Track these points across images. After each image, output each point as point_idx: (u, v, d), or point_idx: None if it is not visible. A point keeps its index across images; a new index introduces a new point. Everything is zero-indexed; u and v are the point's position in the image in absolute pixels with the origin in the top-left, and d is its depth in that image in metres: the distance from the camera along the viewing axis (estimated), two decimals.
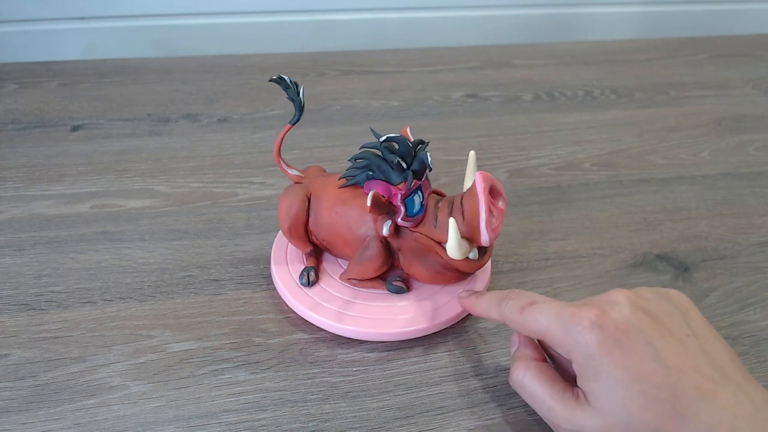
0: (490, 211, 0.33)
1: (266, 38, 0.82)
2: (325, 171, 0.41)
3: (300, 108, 0.38)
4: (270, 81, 0.37)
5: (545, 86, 0.69)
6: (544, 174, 0.53)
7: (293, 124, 0.38)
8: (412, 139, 0.36)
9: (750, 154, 0.58)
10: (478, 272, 0.40)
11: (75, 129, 0.57)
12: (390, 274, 0.38)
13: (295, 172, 0.41)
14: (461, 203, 0.34)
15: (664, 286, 0.41)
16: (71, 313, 0.38)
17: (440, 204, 0.36)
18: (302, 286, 0.38)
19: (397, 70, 0.72)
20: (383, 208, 0.34)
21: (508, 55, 0.77)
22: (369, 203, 0.33)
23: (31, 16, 0.75)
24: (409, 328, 0.36)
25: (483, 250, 0.36)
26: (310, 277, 0.38)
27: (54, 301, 0.38)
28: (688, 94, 0.69)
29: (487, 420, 0.32)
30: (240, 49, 0.77)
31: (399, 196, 0.34)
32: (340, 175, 0.37)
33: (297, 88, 0.37)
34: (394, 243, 0.36)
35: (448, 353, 0.36)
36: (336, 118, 0.61)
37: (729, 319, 0.39)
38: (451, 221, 0.33)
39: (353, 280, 0.38)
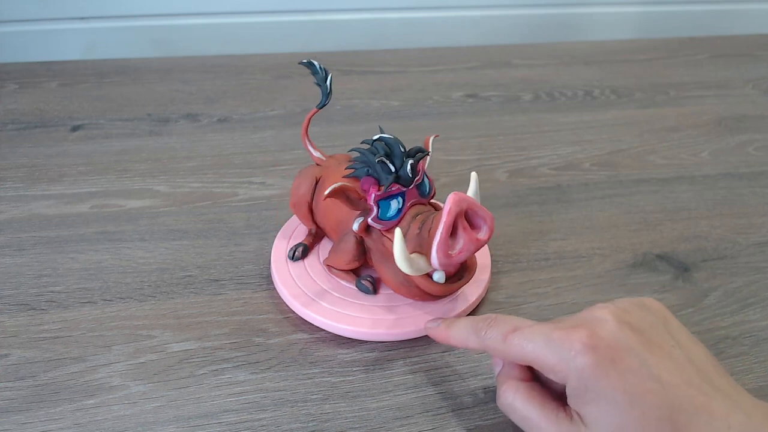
0: (448, 235, 0.31)
1: (266, 38, 0.82)
2: (348, 159, 0.40)
3: (326, 93, 0.39)
4: (299, 64, 0.40)
5: (545, 86, 0.69)
6: (544, 174, 0.53)
7: (319, 108, 0.40)
8: (430, 150, 0.36)
9: (750, 154, 0.58)
10: (480, 267, 0.39)
11: (75, 129, 0.57)
12: (365, 271, 0.39)
13: (318, 155, 0.42)
14: (432, 220, 0.33)
15: (664, 286, 0.42)
16: (71, 313, 0.38)
17: (418, 216, 0.34)
18: (288, 260, 0.40)
19: (397, 70, 0.72)
20: (356, 203, 0.34)
21: (508, 55, 0.77)
22: (326, 192, 0.33)
23: (31, 16, 0.75)
24: (410, 328, 0.36)
25: (459, 276, 0.35)
26: (296, 252, 0.40)
27: (54, 301, 0.38)
28: (688, 94, 0.69)
29: (487, 420, 0.32)
30: (240, 49, 0.77)
31: (373, 195, 0.34)
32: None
33: (325, 74, 0.39)
34: (367, 242, 0.37)
35: (448, 353, 0.36)
36: (336, 118, 0.61)
37: (729, 319, 0.39)
38: (397, 231, 0.31)
39: (329, 267, 0.39)
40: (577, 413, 0.28)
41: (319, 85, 0.40)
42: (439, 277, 0.34)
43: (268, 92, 0.65)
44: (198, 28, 0.80)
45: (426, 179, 0.36)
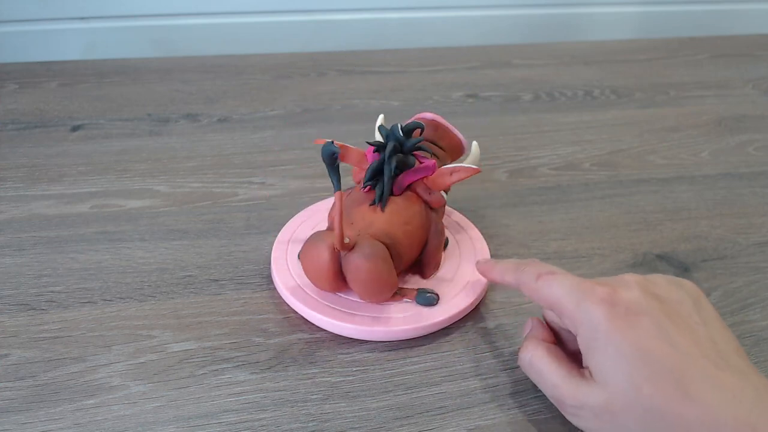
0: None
1: (266, 38, 0.82)
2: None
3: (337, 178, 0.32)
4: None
5: (545, 86, 0.69)
6: (544, 174, 0.53)
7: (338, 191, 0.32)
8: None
9: (750, 154, 0.58)
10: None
11: (75, 129, 0.57)
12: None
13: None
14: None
15: None
16: (71, 313, 0.38)
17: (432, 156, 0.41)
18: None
19: (397, 70, 0.72)
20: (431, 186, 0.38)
21: (508, 55, 0.77)
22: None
23: (31, 16, 0.75)
24: (409, 328, 0.36)
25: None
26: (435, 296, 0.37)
27: (54, 301, 0.38)
28: (688, 94, 0.69)
29: (487, 420, 0.32)
30: (240, 49, 0.77)
31: (426, 163, 0.38)
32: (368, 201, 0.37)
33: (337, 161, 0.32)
34: (431, 214, 0.39)
35: (448, 353, 0.36)
36: (336, 118, 0.61)
37: (729, 319, 0.39)
38: (474, 143, 0.42)
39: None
40: (589, 370, 0.28)
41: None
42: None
43: (268, 92, 0.65)
44: (198, 28, 0.80)
45: None
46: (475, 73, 0.72)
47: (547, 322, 0.34)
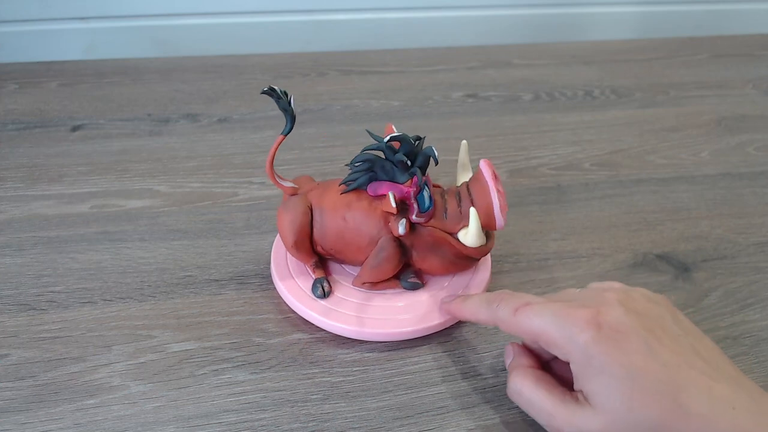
0: (499, 196, 0.34)
1: (266, 38, 0.82)
2: (313, 180, 0.40)
3: (291, 118, 0.36)
4: (262, 93, 0.35)
5: (545, 86, 0.69)
6: (544, 174, 0.53)
7: (285, 135, 0.36)
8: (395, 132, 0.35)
9: (750, 154, 0.58)
10: (481, 266, 0.40)
11: (75, 129, 0.57)
12: (402, 272, 0.38)
13: (289, 184, 0.38)
14: (468, 192, 0.35)
15: (664, 286, 0.42)
16: (71, 313, 0.38)
17: (446, 196, 0.36)
18: (317, 299, 0.37)
19: (397, 70, 0.72)
20: (399, 209, 0.35)
21: (508, 55, 0.77)
22: (393, 204, 0.34)
23: (31, 16, 0.75)
24: (409, 328, 0.36)
25: (488, 234, 0.37)
26: (325, 288, 0.37)
27: (54, 301, 0.38)
28: (688, 94, 0.69)
29: (486, 420, 0.32)
30: (240, 49, 0.77)
31: (411, 193, 0.34)
32: (339, 181, 0.37)
33: (287, 98, 0.36)
34: (407, 240, 0.36)
35: (448, 353, 0.36)
36: (336, 118, 0.61)
37: (729, 319, 0.39)
38: (473, 211, 0.34)
39: (367, 284, 0.38)
40: (582, 393, 0.28)
41: (284, 110, 0.36)
42: (477, 237, 0.36)
43: None
44: (198, 28, 0.80)
45: None
46: (475, 73, 0.72)
47: (526, 345, 0.33)
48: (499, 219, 0.35)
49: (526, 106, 0.65)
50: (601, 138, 0.59)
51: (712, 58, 0.79)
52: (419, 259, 0.37)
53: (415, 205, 0.34)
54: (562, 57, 0.77)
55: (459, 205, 0.35)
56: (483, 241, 0.35)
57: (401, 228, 0.34)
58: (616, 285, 0.32)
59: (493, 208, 0.34)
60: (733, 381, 0.26)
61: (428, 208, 0.35)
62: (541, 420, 0.29)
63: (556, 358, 0.32)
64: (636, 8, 0.92)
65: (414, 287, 0.38)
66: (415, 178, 0.35)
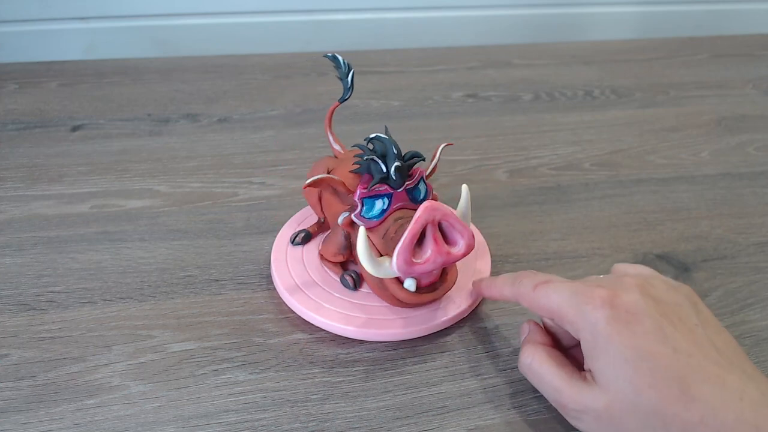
0: (413, 242, 0.31)
1: (266, 38, 0.82)
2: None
3: (348, 88, 0.40)
4: (324, 56, 0.40)
5: (545, 86, 0.69)
6: (544, 174, 0.53)
7: (341, 102, 0.41)
8: (437, 158, 0.37)
9: (750, 154, 0.58)
10: (481, 266, 0.40)
11: (75, 129, 0.57)
12: (348, 265, 0.39)
13: (338, 147, 0.42)
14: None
15: None
16: (71, 313, 0.38)
17: (400, 220, 0.34)
18: (290, 243, 0.41)
19: (397, 70, 0.72)
20: (344, 198, 0.36)
21: (508, 55, 0.77)
22: (307, 182, 0.34)
23: (31, 16, 0.75)
24: (409, 328, 0.36)
25: (433, 287, 0.35)
26: (297, 238, 0.41)
27: (54, 301, 0.38)
28: (688, 94, 0.69)
29: (487, 420, 0.32)
30: (240, 49, 0.77)
31: (358, 192, 0.34)
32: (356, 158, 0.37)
33: (348, 69, 0.39)
34: (353, 237, 0.37)
35: (448, 353, 0.36)
36: (336, 118, 0.61)
37: (729, 319, 0.39)
38: (361, 229, 0.32)
39: (322, 257, 0.40)
40: (591, 373, 0.28)
41: (341, 79, 0.40)
42: (409, 284, 0.34)
43: (268, 92, 0.65)
44: (198, 28, 0.80)
45: (423, 185, 0.36)
46: (475, 73, 0.72)
47: (544, 324, 0.34)
48: (393, 260, 0.31)
49: (526, 106, 0.65)
50: (601, 138, 0.59)
51: (712, 58, 0.79)
52: (358, 263, 0.36)
53: (360, 206, 0.34)
54: (562, 57, 0.77)
55: (395, 233, 0.33)
56: (380, 271, 0.32)
57: (340, 218, 0.36)
58: (643, 269, 0.32)
59: (395, 249, 0.31)
60: (745, 375, 0.26)
61: (373, 217, 0.34)
62: (548, 395, 0.30)
63: (569, 340, 0.33)
64: (636, 8, 0.92)
65: (345, 285, 0.38)
66: (368, 182, 0.34)
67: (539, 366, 0.30)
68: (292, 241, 0.41)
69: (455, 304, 0.37)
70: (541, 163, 0.55)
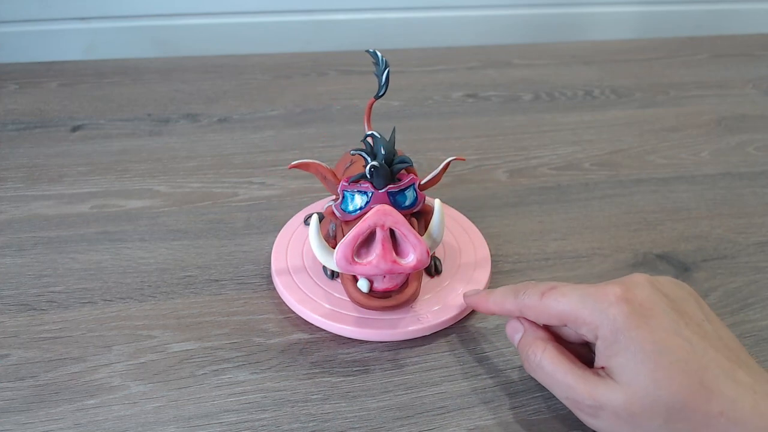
0: (356, 239, 0.31)
1: (266, 38, 0.82)
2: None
3: (380, 85, 0.39)
4: (366, 52, 0.41)
5: (545, 86, 0.69)
6: (544, 174, 0.53)
7: (376, 98, 0.41)
8: (442, 168, 0.37)
9: (750, 154, 0.58)
10: (481, 266, 0.40)
11: (75, 129, 0.57)
12: None
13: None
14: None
15: None
16: (71, 313, 0.38)
17: None
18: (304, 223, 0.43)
19: (397, 70, 0.72)
20: (330, 185, 0.37)
21: (508, 55, 0.77)
22: (294, 162, 0.36)
23: (31, 16, 0.75)
24: (409, 328, 0.36)
25: (386, 295, 0.34)
26: (309, 219, 0.42)
27: (54, 301, 0.38)
28: (688, 94, 0.69)
29: (487, 420, 0.32)
30: (240, 49, 0.77)
31: (340, 184, 0.35)
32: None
33: (385, 66, 0.39)
34: (336, 227, 0.38)
35: (448, 353, 0.36)
36: (336, 118, 0.61)
37: (729, 319, 0.39)
38: (314, 216, 0.33)
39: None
40: (606, 369, 0.28)
41: (377, 76, 0.40)
42: (361, 284, 0.34)
43: (268, 92, 0.65)
44: (198, 28, 0.80)
45: (412, 193, 0.36)
46: (475, 73, 0.72)
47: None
48: (334, 253, 0.32)
49: (526, 106, 0.65)
50: (601, 138, 0.59)
51: (712, 58, 0.79)
52: None
53: (340, 197, 0.35)
54: (562, 57, 0.77)
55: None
56: (326, 261, 0.33)
57: (324, 206, 0.37)
58: (638, 273, 0.32)
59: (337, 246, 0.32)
60: (751, 369, 0.27)
61: (350, 211, 0.35)
62: (560, 392, 0.29)
63: (570, 336, 0.32)
64: (636, 8, 0.92)
65: (325, 273, 0.39)
66: (350, 177, 0.35)
67: (550, 363, 0.29)
68: (305, 222, 0.43)
69: (455, 304, 0.37)
70: (541, 163, 0.55)
